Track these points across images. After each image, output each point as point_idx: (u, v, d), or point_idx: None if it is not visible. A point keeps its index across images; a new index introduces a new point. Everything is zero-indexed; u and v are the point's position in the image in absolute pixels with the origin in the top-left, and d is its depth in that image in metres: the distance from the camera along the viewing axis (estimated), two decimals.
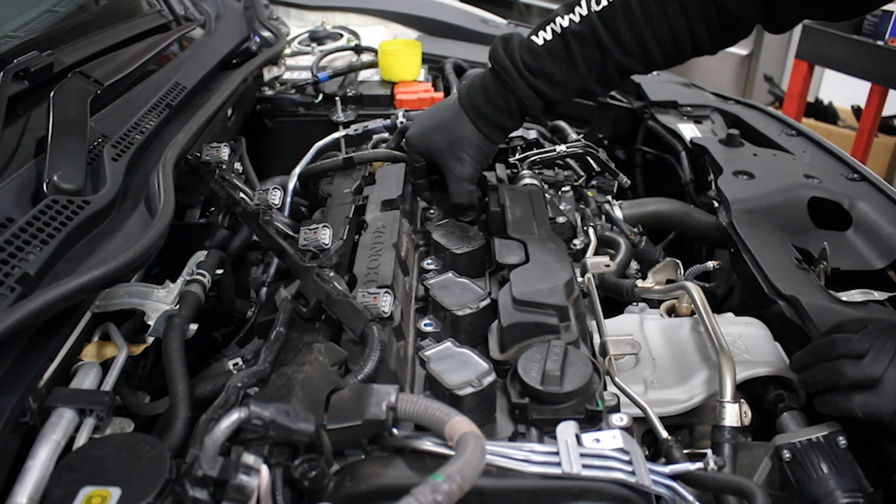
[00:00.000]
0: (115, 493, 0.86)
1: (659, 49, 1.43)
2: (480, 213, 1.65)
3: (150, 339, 1.30)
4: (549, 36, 1.45)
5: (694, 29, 1.39)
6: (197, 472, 0.86)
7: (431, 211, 1.67)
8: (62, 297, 1.03)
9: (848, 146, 4.46)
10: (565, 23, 1.44)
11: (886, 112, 4.47)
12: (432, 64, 2.66)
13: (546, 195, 1.80)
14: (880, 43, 3.91)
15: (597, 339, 1.38)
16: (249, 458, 0.87)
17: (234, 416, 0.88)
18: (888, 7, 3.93)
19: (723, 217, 1.78)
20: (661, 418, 1.26)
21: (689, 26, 1.39)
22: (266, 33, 2.57)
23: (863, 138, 4.41)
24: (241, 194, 1.56)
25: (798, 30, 4.29)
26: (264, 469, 0.89)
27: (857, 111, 4.93)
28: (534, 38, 1.46)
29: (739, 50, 6.05)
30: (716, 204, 1.88)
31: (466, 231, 1.55)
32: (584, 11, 1.42)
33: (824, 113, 5.31)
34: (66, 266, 1.17)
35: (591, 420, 1.07)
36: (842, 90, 5.19)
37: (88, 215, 1.25)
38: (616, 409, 1.16)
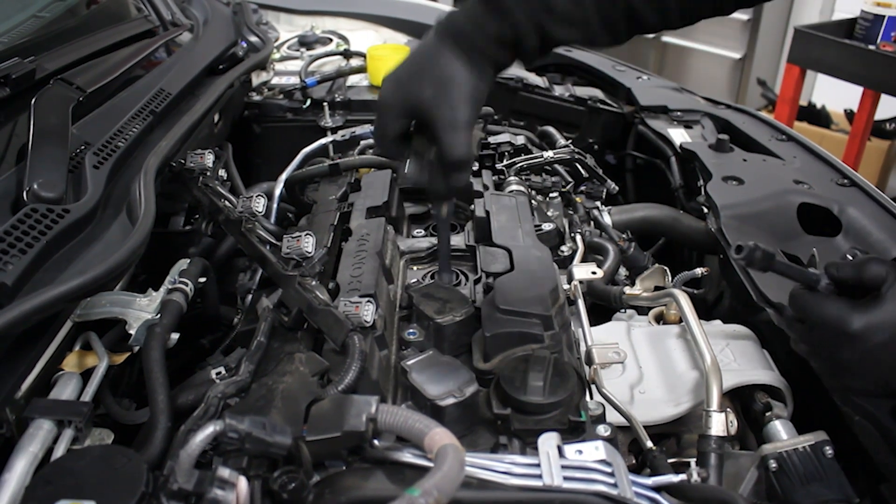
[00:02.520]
0: None
1: None
2: (466, 220, 1.64)
3: (136, 348, 1.28)
4: None
5: None
6: (172, 485, 0.85)
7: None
8: (40, 307, 1.02)
9: (840, 150, 4.46)
10: None
11: (879, 116, 4.47)
12: None
13: (533, 201, 1.79)
14: (872, 47, 3.91)
15: (583, 348, 1.38)
16: (225, 472, 0.86)
17: (209, 429, 0.87)
18: (880, 11, 3.93)
19: (712, 223, 1.77)
20: (648, 427, 1.26)
21: None
22: (253, 38, 2.56)
23: (855, 142, 4.41)
24: (225, 201, 1.55)
25: (791, 33, 4.30)
26: (243, 481, 0.88)
27: (849, 115, 4.94)
28: None
29: (733, 53, 6.06)
30: (705, 209, 1.87)
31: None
32: None
33: (817, 116, 5.31)
34: (45, 275, 1.16)
35: (575, 431, 1.06)
36: (835, 94, 5.20)
37: (68, 224, 1.24)
38: (602, 418, 1.15)
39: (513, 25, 1.21)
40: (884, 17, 3.91)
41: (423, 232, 1.64)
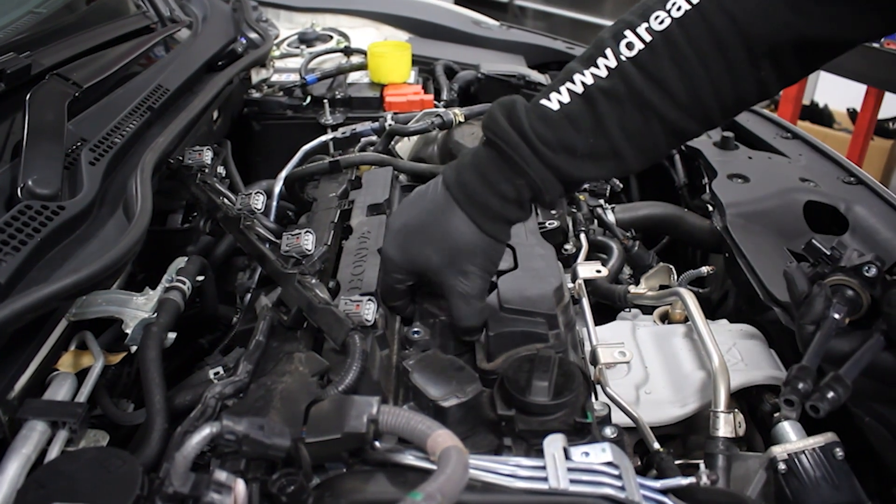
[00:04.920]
0: None
1: (715, 97, 1.08)
2: None
3: (133, 348, 1.26)
4: (566, 98, 1.09)
5: (759, 64, 1.06)
6: (167, 488, 0.83)
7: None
8: (33, 306, 1.00)
9: (843, 149, 4.44)
10: (587, 79, 1.08)
11: (882, 115, 4.45)
12: (423, 66, 2.63)
13: None
14: (876, 45, 3.89)
15: (587, 348, 1.35)
16: (221, 475, 0.84)
17: (206, 431, 0.84)
18: None
19: (717, 221, 1.75)
20: (654, 428, 1.23)
21: (751, 60, 1.05)
22: (253, 35, 2.54)
23: (858, 141, 4.39)
24: (224, 199, 1.53)
25: None
26: (240, 484, 0.86)
27: (852, 114, 4.92)
28: (545, 102, 1.10)
29: None
30: (710, 208, 1.85)
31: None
32: (612, 62, 1.07)
33: (819, 116, 5.30)
34: (39, 273, 1.14)
35: (580, 432, 1.04)
36: (837, 93, 5.18)
37: (63, 221, 1.22)
38: (607, 419, 1.12)
39: (531, 182, 1.11)
40: None
41: None
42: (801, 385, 1.00)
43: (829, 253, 1.14)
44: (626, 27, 1.07)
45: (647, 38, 1.05)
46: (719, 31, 1.03)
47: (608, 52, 1.07)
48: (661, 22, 1.05)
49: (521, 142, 1.09)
